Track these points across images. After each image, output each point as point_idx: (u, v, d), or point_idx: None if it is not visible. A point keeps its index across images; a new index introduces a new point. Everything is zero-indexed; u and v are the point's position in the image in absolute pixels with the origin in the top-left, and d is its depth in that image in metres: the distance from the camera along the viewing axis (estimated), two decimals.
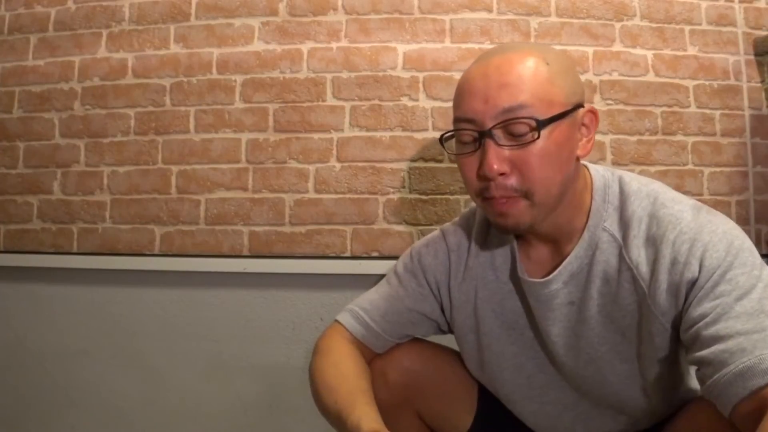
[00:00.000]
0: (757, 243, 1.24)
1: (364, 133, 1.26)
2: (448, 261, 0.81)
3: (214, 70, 1.30)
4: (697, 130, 1.25)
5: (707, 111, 1.26)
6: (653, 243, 0.64)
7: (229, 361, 1.27)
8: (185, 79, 1.30)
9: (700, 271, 0.59)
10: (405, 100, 1.26)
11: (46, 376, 1.31)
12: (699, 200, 0.69)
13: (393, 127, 1.26)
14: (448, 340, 0.86)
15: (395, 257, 1.19)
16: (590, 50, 1.26)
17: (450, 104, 0.73)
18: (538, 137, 0.62)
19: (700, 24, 1.27)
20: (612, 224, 0.68)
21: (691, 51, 1.27)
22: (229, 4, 1.30)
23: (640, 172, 1.21)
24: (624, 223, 0.67)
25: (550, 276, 0.70)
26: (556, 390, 0.76)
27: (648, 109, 1.26)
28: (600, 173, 0.72)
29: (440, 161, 1.25)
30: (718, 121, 1.26)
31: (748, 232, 0.76)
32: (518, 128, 0.62)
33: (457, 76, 0.71)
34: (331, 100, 1.27)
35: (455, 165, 1.22)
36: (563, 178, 0.65)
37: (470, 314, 0.79)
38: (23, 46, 1.35)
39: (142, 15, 1.32)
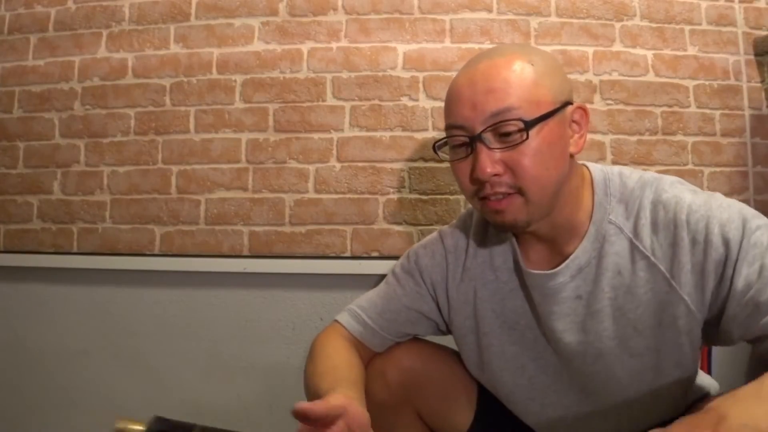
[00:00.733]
0: None
1: (364, 133, 1.26)
2: (446, 262, 0.81)
3: (214, 70, 1.30)
4: (697, 130, 1.25)
5: (707, 111, 1.26)
6: (666, 227, 0.65)
7: (229, 361, 1.27)
8: (185, 79, 1.30)
9: (726, 247, 0.61)
10: (405, 100, 1.26)
11: (46, 376, 1.31)
12: None
13: (393, 127, 1.26)
14: (449, 340, 0.86)
15: (395, 257, 1.20)
16: (590, 50, 1.26)
17: None
18: (527, 137, 0.63)
19: (700, 24, 1.27)
20: (617, 216, 0.69)
21: (691, 51, 1.27)
22: (229, 4, 1.30)
23: None
24: (630, 214, 0.68)
25: (557, 269, 0.70)
26: (557, 391, 0.76)
27: (648, 109, 1.26)
28: (599, 168, 0.73)
29: (440, 161, 1.25)
30: (718, 121, 1.26)
31: None
32: (507, 130, 0.63)
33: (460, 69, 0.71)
34: (331, 100, 1.27)
35: None
36: (557, 175, 0.66)
37: (469, 315, 0.79)
38: (23, 46, 1.35)
39: (142, 15, 1.32)
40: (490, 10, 1.27)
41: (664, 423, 0.73)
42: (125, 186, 1.30)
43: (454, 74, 0.73)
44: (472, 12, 1.27)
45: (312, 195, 1.26)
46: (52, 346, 1.31)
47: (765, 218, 0.63)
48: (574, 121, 0.69)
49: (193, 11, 1.31)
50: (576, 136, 0.69)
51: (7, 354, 1.32)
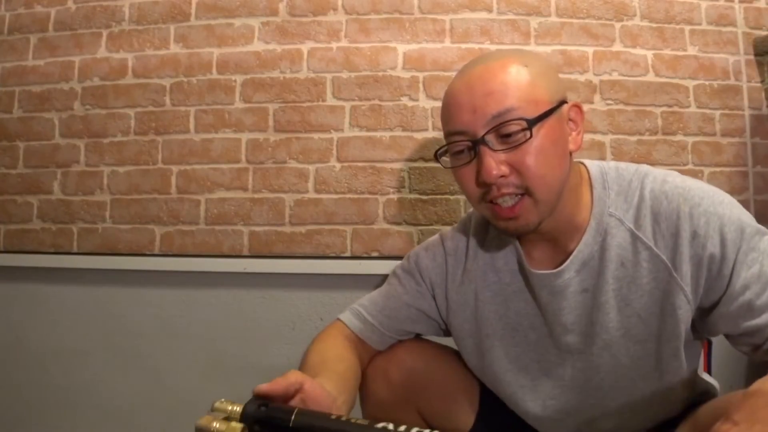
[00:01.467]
0: None
1: (364, 133, 1.26)
2: (446, 264, 0.82)
3: (214, 70, 1.30)
4: (697, 130, 1.26)
5: (707, 111, 1.26)
6: (668, 218, 0.66)
7: (229, 361, 1.27)
8: (185, 79, 1.30)
9: (723, 245, 0.62)
10: (405, 100, 1.26)
11: (46, 376, 1.31)
12: None
13: (393, 127, 1.26)
14: (451, 340, 0.86)
15: (395, 257, 1.20)
16: (590, 50, 1.26)
17: None
18: (531, 136, 0.63)
19: (700, 24, 1.27)
20: (617, 209, 0.69)
21: (691, 51, 1.27)
22: (229, 4, 1.31)
23: None
24: (630, 205, 0.69)
25: (563, 266, 0.70)
26: (560, 391, 0.76)
27: (648, 109, 1.26)
28: (595, 164, 0.74)
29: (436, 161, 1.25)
30: (718, 121, 1.26)
31: None
32: (510, 130, 0.64)
33: (454, 76, 0.72)
34: (331, 100, 1.27)
35: None
36: (561, 172, 0.66)
37: (469, 318, 0.79)
38: (23, 46, 1.35)
39: (142, 15, 1.32)
40: (490, 10, 1.27)
41: (665, 422, 0.74)
42: (125, 186, 1.30)
43: (454, 74, 0.73)
44: (472, 12, 1.27)
45: (312, 195, 1.26)
46: (52, 346, 1.31)
47: (758, 223, 0.64)
48: (570, 119, 0.69)
49: (193, 11, 1.31)
50: (573, 133, 0.70)
51: (7, 354, 1.32)
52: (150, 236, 1.28)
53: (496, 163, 0.64)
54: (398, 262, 0.87)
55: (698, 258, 0.63)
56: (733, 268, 0.62)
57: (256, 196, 1.27)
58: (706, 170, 1.25)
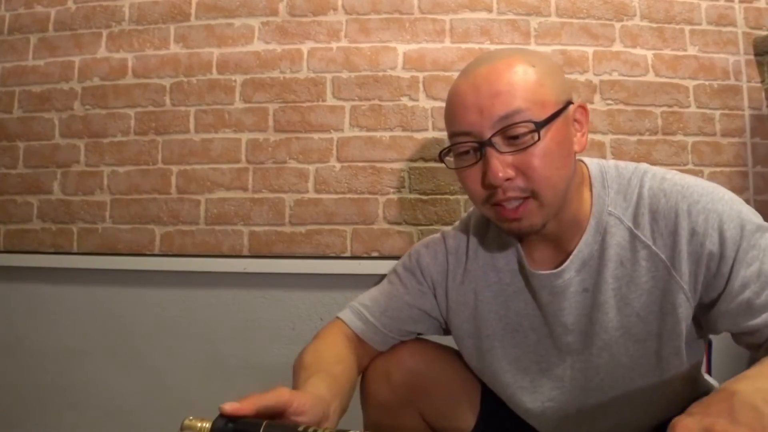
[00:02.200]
0: None
1: (364, 133, 1.26)
2: (446, 263, 0.81)
3: (214, 70, 1.30)
4: (697, 130, 1.26)
5: (707, 111, 1.26)
6: (666, 216, 0.65)
7: (229, 361, 1.27)
8: (185, 79, 1.30)
9: (722, 243, 0.61)
10: (405, 100, 1.26)
11: (46, 376, 1.31)
12: None
13: (393, 127, 1.26)
14: (452, 340, 0.86)
15: (395, 257, 1.20)
16: (590, 50, 1.26)
17: None
18: (539, 139, 0.62)
19: (700, 24, 1.27)
20: (616, 207, 0.69)
21: (691, 51, 1.27)
22: (229, 4, 1.31)
23: None
24: (629, 204, 0.68)
25: (563, 266, 0.70)
26: (560, 392, 0.76)
27: (648, 109, 1.26)
28: (595, 162, 0.73)
29: (440, 161, 1.25)
30: (718, 121, 1.26)
31: None
32: (517, 132, 0.63)
33: (457, 76, 0.71)
34: (331, 100, 1.27)
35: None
36: (566, 174, 0.66)
37: (468, 318, 0.79)
38: (23, 46, 1.35)
39: (142, 15, 1.32)
40: (490, 10, 1.27)
41: (666, 421, 0.74)
42: (125, 186, 1.30)
43: (454, 74, 0.73)
44: (472, 12, 1.27)
45: (312, 195, 1.26)
46: (52, 346, 1.31)
47: (761, 218, 0.63)
48: (576, 120, 0.69)
49: (193, 11, 1.31)
50: (578, 134, 0.69)
51: (7, 354, 1.32)
52: (150, 236, 1.28)
53: (502, 165, 0.63)
54: (400, 259, 0.87)
55: (697, 256, 0.63)
56: (732, 267, 0.61)
57: (256, 196, 1.27)
58: (706, 170, 1.25)
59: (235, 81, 1.29)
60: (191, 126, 1.29)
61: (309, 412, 0.54)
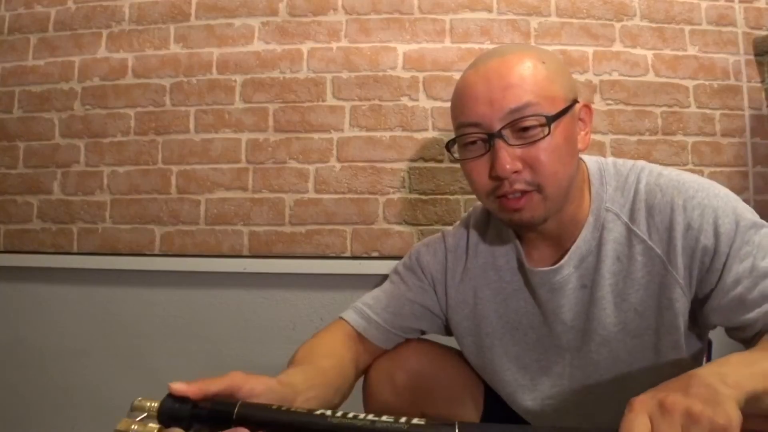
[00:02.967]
0: None
1: (364, 133, 1.26)
2: (446, 261, 0.82)
3: (214, 70, 1.30)
4: (697, 130, 1.26)
5: (707, 111, 1.26)
6: (662, 210, 0.65)
7: (229, 361, 1.27)
8: (185, 79, 1.30)
9: (717, 238, 0.62)
10: (405, 100, 1.26)
11: (46, 376, 1.31)
12: None
13: (393, 127, 1.26)
14: (454, 340, 0.86)
15: (395, 257, 1.20)
16: (590, 50, 1.26)
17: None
18: (549, 133, 0.63)
19: (700, 24, 1.27)
20: (614, 203, 0.69)
21: (691, 51, 1.27)
22: (229, 4, 1.31)
23: None
24: (626, 200, 0.69)
25: (561, 262, 0.70)
26: (559, 390, 0.76)
27: (648, 109, 1.26)
28: (593, 160, 0.74)
29: (440, 161, 1.25)
30: (718, 121, 1.26)
31: None
32: (527, 125, 0.63)
33: (457, 76, 0.71)
34: (331, 100, 1.27)
35: (455, 165, 1.22)
36: (571, 171, 0.66)
37: (468, 316, 0.79)
38: (23, 46, 1.35)
39: (142, 15, 1.32)
40: (490, 10, 1.27)
41: None
42: (125, 186, 1.30)
43: (454, 74, 0.73)
44: (472, 12, 1.27)
45: (312, 195, 1.26)
46: (52, 346, 1.31)
47: (757, 215, 0.64)
48: (581, 119, 0.69)
49: (193, 11, 1.31)
50: (582, 133, 0.69)
51: (7, 354, 1.32)
52: (150, 236, 1.28)
53: (511, 157, 0.63)
54: (401, 259, 0.87)
55: (691, 250, 0.63)
56: (725, 262, 0.61)
57: (256, 196, 1.27)
58: (706, 170, 1.25)
59: (235, 81, 1.29)
60: (191, 126, 1.29)
61: (261, 396, 0.53)
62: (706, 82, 1.26)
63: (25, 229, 1.32)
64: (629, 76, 1.26)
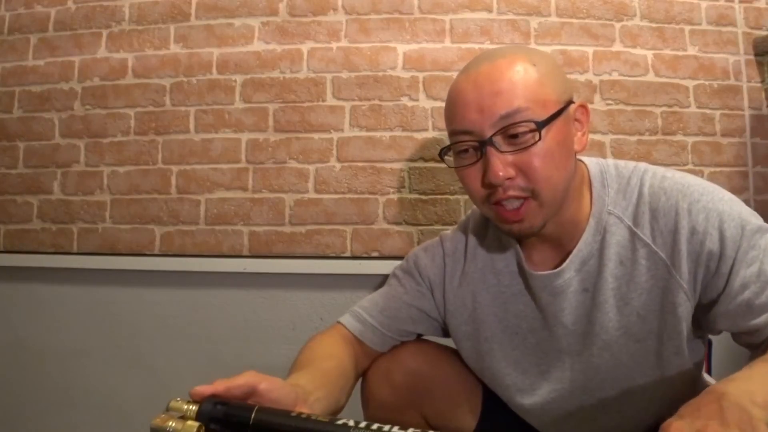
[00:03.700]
0: None
1: (364, 133, 1.26)
2: (444, 264, 0.81)
3: (214, 70, 1.30)
4: (697, 130, 1.25)
5: (707, 111, 1.26)
6: (666, 214, 0.65)
7: (229, 361, 1.27)
8: (185, 79, 1.30)
9: (722, 243, 0.61)
10: (405, 100, 1.26)
11: (46, 376, 1.31)
12: None
13: (393, 127, 1.26)
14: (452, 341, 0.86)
15: (395, 257, 1.20)
16: (590, 50, 1.26)
17: None
18: (539, 139, 0.62)
19: (700, 24, 1.27)
20: (616, 207, 0.69)
21: (691, 51, 1.27)
22: (229, 4, 1.30)
23: None
24: (629, 203, 0.68)
25: (563, 266, 0.69)
26: (560, 394, 0.75)
27: (648, 109, 1.26)
28: (594, 162, 0.73)
29: (440, 161, 1.25)
30: (718, 121, 1.26)
31: None
32: (518, 132, 0.62)
33: (458, 73, 0.71)
34: (331, 100, 1.27)
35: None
36: (566, 174, 0.66)
37: (466, 321, 0.79)
38: (23, 46, 1.35)
39: (142, 15, 1.32)
40: (490, 10, 1.27)
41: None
42: (125, 186, 1.30)
43: (454, 74, 0.72)
44: (472, 12, 1.27)
45: (312, 195, 1.26)
46: (52, 346, 1.31)
47: (761, 219, 0.63)
48: (576, 120, 0.69)
49: (193, 11, 1.31)
50: (579, 134, 0.69)
51: (7, 354, 1.32)
52: (150, 236, 1.28)
53: (503, 164, 0.63)
54: (398, 263, 0.87)
55: (696, 255, 0.63)
56: (732, 267, 0.61)
57: (256, 196, 1.27)
58: (706, 170, 1.25)
59: (235, 81, 1.29)
60: (191, 126, 1.29)
61: (278, 390, 0.54)
62: (706, 82, 1.26)
63: (25, 229, 1.32)
64: (629, 76, 1.26)
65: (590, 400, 0.74)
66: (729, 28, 1.28)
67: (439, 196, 1.25)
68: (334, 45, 1.28)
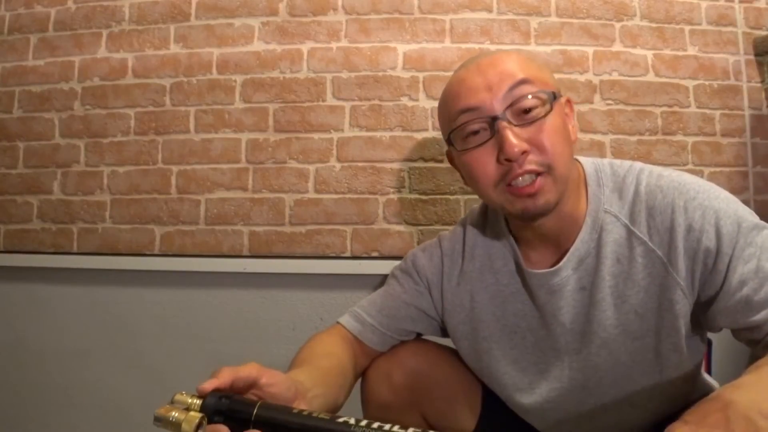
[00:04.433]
0: None
1: (364, 133, 1.26)
2: (441, 264, 0.82)
3: (214, 70, 1.30)
4: (697, 130, 1.25)
5: (707, 111, 1.26)
6: (662, 212, 0.65)
7: (229, 361, 1.26)
8: (185, 79, 1.30)
9: (719, 239, 0.61)
10: (405, 100, 1.26)
11: (46, 376, 1.31)
12: None
13: (393, 127, 1.26)
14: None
15: (395, 257, 1.20)
16: (590, 50, 1.26)
17: None
18: (551, 109, 0.64)
19: (700, 24, 1.27)
20: (612, 205, 0.69)
21: (691, 51, 1.27)
22: (229, 4, 1.30)
23: None
24: (625, 201, 0.68)
25: (560, 264, 0.70)
26: (559, 393, 0.75)
27: (648, 109, 1.26)
28: (590, 161, 0.74)
29: (440, 161, 1.25)
30: (718, 121, 1.26)
31: None
32: (529, 106, 0.64)
33: (455, 71, 0.72)
34: (331, 100, 1.27)
35: None
36: (571, 155, 0.67)
37: (464, 320, 0.79)
38: (23, 46, 1.35)
39: (142, 15, 1.32)
40: (490, 10, 1.27)
41: (668, 417, 0.74)
42: (125, 186, 1.30)
43: None
44: (472, 12, 1.27)
45: (312, 195, 1.26)
46: (52, 346, 1.31)
47: (758, 217, 0.63)
48: (565, 113, 0.70)
49: (193, 11, 1.31)
50: (570, 125, 0.70)
51: (7, 354, 1.32)
52: (150, 236, 1.28)
53: (518, 138, 0.63)
54: (398, 263, 0.87)
55: (693, 252, 0.63)
56: (729, 264, 0.61)
57: (256, 196, 1.27)
58: (706, 170, 1.25)
59: (235, 81, 1.29)
60: (191, 126, 1.29)
61: (279, 384, 0.55)
62: (706, 82, 1.26)
63: (25, 229, 1.32)
64: (629, 76, 1.26)
65: (589, 398, 0.74)
66: (729, 28, 1.28)
67: (439, 196, 1.25)
68: (334, 45, 1.28)
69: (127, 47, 1.32)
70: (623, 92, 1.26)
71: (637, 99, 1.26)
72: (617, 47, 1.26)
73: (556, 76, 1.23)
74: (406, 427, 0.47)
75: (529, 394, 0.77)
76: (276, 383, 0.55)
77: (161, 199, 1.29)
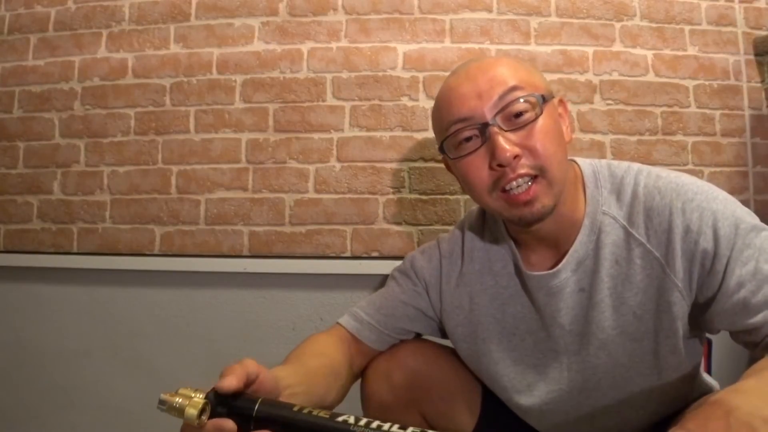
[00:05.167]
0: None
1: (364, 133, 1.26)
2: (440, 266, 0.82)
3: (214, 70, 1.30)
4: (697, 130, 1.25)
5: (707, 111, 1.26)
6: (660, 213, 0.65)
7: (229, 361, 1.26)
8: (185, 79, 1.30)
9: (716, 241, 0.61)
10: (405, 100, 1.26)
11: (46, 376, 1.31)
12: None
13: (393, 127, 1.26)
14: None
15: (395, 257, 1.20)
16: (590, 50, 1.26)
17: None
18: (541, 113, 0.64)
19: (700, 24, 1.27)
20: (610, 207, 0.69)
21: (691, 51, 1.27)
22: (229, 4, 1.30)
23: None
24: (623, 203, 0.68)
25: (559, 266, 0.70)
26: (557, 394, 0.76)
27: (648, 109, 1.26)
28: (587, 163, 0.74)
29: (440, 161, 1.25)
30: (718, 121, 1.26)
31: None
32: (519, 110, 0.64)
33: (446, 78, 0.72)
34: (331, 100, 1.27)
35: None
36: (564, 156, 0.67)
37: (463, 322, 0.79)
38: (23, 46, 1.35)
39: (142, 15, 1.32)
40: (490, 10, 1.27)
41: (667, 418, 0.74)
42: (125, 186, 1.30)
43: None
44: (472, 12, 1.27)
45: (312, 195, 1.26)
46: (52, 346, 1.31)
47: (757, 218, 0.63)
48: (559, 114, 0.70)
49: (193, 11, 1.31)
50: (563, 126, 0.70)
51: (7, 354, 1.32)
52: (150, 236, 1.28)
53: (509, 143, 0.63)
54: (398, 263, 0.87)
55: (691, 254, 0.63)
56: (726, 265, 0.61)
57: (256, 196, 1.27)
58: (706, 170, 1.25)
59: (235, 81, 1.29)
60: (191, 126, 1.29)
61: (268, 389, 0.56)
62: (706, 82, 1.26)
63: (25, 229, 1.32)
64: (629, 76, 1.26)
65: (588, 399, 0.74)
66: (729, 28, 1.28)
67: (439, 196, 1.25)
68: (334, 45, 1.28)
69: (127, 47, 1.32)
70: (623, 92, 1.26)
71: (637, 99, 1.26)
72: (617, 47, 1.26)
73: (556, 76, 1.24)
74: (405, 427, 0.47)
75: (528, 396, 0.77)
76: (270, 380, 0.56)
77: (161, 199, 1.29)
